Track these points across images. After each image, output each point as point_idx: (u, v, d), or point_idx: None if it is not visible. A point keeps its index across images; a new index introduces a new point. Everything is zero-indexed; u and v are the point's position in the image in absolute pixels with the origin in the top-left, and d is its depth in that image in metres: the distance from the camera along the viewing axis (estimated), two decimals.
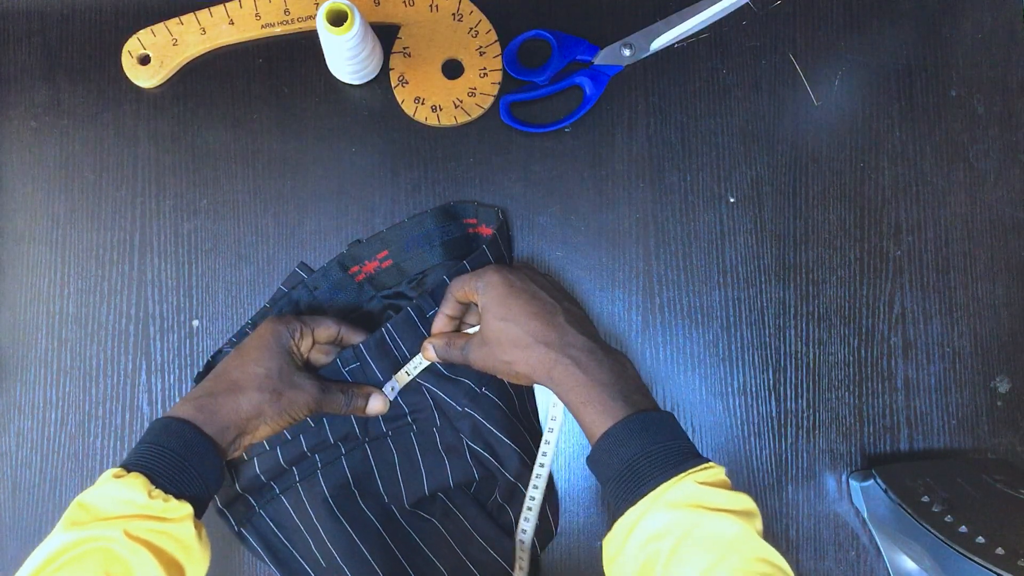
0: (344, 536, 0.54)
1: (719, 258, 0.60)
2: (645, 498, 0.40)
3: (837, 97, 0.61)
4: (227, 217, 0.60)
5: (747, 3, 0.61)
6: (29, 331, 0.60)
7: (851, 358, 0.60)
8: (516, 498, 0.55)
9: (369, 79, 0.60)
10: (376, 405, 0.54)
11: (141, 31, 0.60)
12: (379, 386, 0.54)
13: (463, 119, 0.60)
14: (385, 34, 0.60)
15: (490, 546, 0.55)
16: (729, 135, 0.61)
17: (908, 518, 0.51)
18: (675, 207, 0.61)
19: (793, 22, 0.62)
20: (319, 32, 0.53)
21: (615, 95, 0.61)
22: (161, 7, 0.61)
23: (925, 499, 0.52)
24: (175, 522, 0.42)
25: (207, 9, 0.60)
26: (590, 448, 0.45)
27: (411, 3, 0.60)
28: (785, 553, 0.58)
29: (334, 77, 0.61)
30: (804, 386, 0.60)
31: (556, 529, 0.58)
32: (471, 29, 0.60)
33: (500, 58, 0.60)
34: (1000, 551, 0.45)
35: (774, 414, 0.59)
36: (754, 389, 0.59)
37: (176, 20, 0.60)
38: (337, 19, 0.53)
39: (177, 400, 0.57)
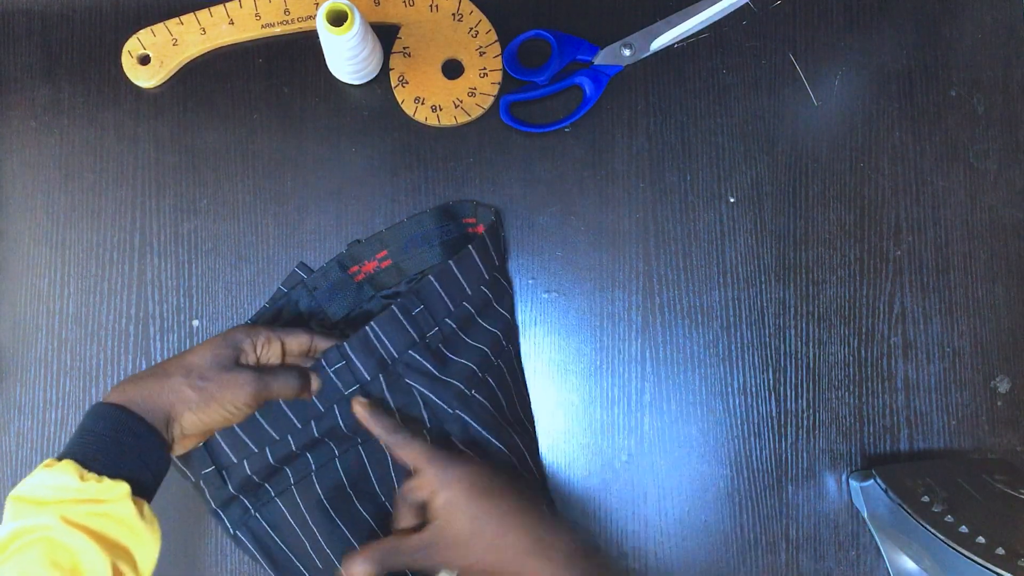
0: (340, 538, 0.53)
1: (719, 258, 0.60)
2: None
3: (837, 97, 0.61)
4: (227, 217, 0.60)
5: (747, 3, 0.61)
6: (29, 331, 0.60)
7: (851, 358, 0.60)
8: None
9: (369, 79, 0.60)
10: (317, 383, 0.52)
11: (141, 31, 0.60)
12: (364, 384, 0.53)
13: (463, 119, 0.60)
14: (385, 34, 0.60)
15: None
16: (729, 135, 0.61)
17: (908, 518, 0.51)
18: (675, 207, 0.61)
19: (793, 22, 0.62)
20: (319, 32, 0.53)
21: (615, 95, 0.61)
22: (161, 7, 0.61)
23: (925, 499, 0.52)
24: (112, 502, 0.41)
25: (207, 9, 0.60)
26: None
27: (411, 3, 0.60)
28: (785, 553, 0.58)
29: (334, 77, 0.61)
30: (804, 386, 0.60)
31: None
32: (471, 29, 0.60)
33: (500, 58, 0.60)
34: (1000, 551, 0.45)
35: (774, 414, 0.59)
36: (754, 389, 0.59)
37: (176, 20, 0.60)
38: (337, 19, 0.53)
39: None
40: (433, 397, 0.53)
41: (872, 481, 0.56)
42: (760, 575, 0.59)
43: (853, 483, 0.58)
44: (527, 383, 0.60)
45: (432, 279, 0.54)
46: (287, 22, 0.60)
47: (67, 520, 0.39)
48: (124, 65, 0.60)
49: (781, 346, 0.60)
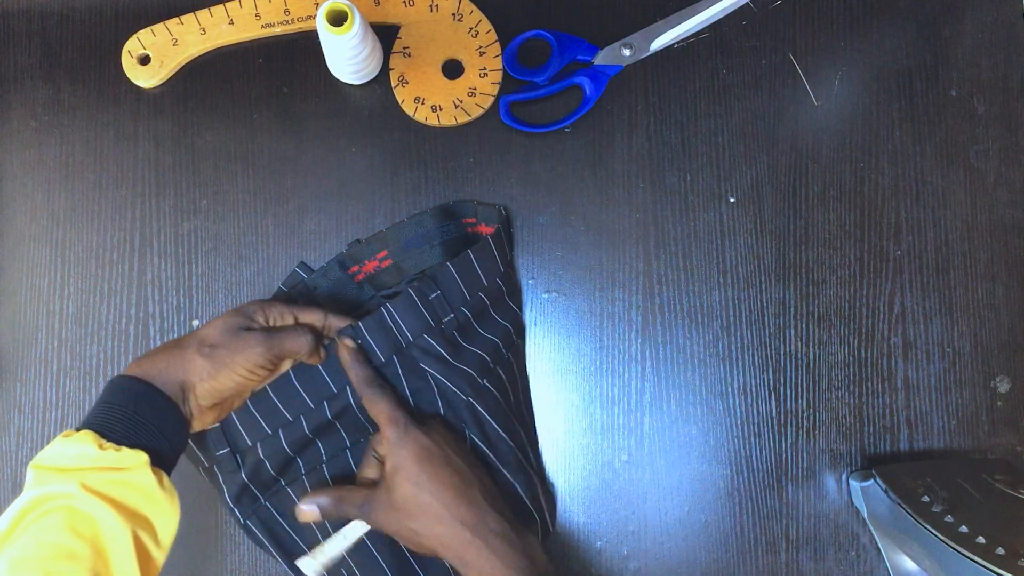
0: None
1: (719, 258, 0.60)
2: None
3: (837, 97, 0.61)
4: (227, 217, 0.61)
5: (747, 3, 0.61)
6: (29, 331, 0.60)
7: (851, 358, 0.60)
8: (510, 495, 0.55)
9: (369, 79, 0.60)
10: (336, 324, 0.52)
11: (141, 31, 0.60)
12: (379, 366, 0.53)
13: (463, 119, 0.60)
14: (385, 34, 0.60)
15: None
16: (729, 135, 0.61)
17: (908, 518, 0.51)
18: (675, 207, 0.61)
19: (793, 22, 0.62)
20: (319, 32, 0.53)
21: (615, 95, 0.61)
22: (161, 7, 0.61)
23: (925, 499, 0.52)
24: (131, 470, 0.41)
25: (207, 9, 0.60)
26: None
27: (411, 3, 0.60)
28: (785, 553, 0.58)
29: (334, 77, 0.61)
30: (804, 386, 0.60)
31: (552, 527, 0.58)
32: (471, 29, 0.60)
33: (500, 58, 0.60)
34: (1000, 551, 0.45)
35: (774, 414, 0.59)
36: (754, 389, 0.59)
37: (176, 20, 0.60)
38: (337, 19, 0.53)
39: None
40: (446, 382, 0.53)
41: (872, 481, 0.56)
42: (760, 575, 0.59)
43: (853, 483, 0.58)
44: (529, 381, 0.60)
45: (450, 266, 0.54)
46: (287, 22, 0.60)
47: (87, 488, 0.40)
48: (124, 65, 0.60)
49: (781, 346, 0.60)
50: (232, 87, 0.61)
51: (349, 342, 0.52)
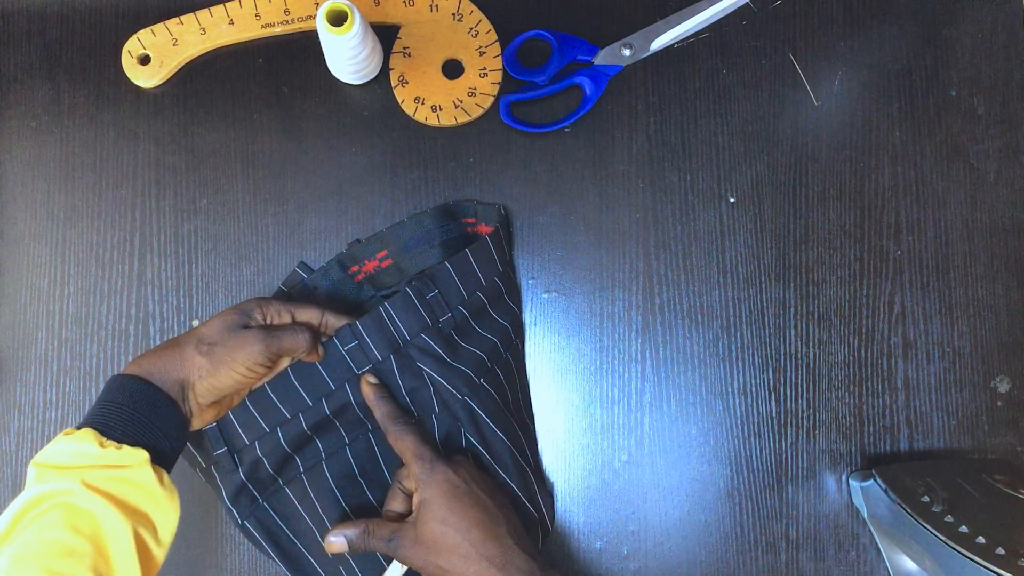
0: None
1: (719, 258, 0.60)
2: None
3: (837, 97, 0.61)
4: (227, 217, 0.61)
5: (747, 3, 0.61)
6: (29, 331, 0.60)
7: (851, 358, 0.60)
8: (508, 495, 0.55)
9: (369, 79, 0.60)
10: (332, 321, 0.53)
11: (141, 31, 0.60)
12: (376, 364, 0.53)
13: (463, 119, 0.60)
14: (385, 34, 0.60)
15: None
16: (729, 135, 0.61)
17: (908, 518, 0.51)
18: (675, 207, 0.61)
19: (793, 22, 0.62)
20: (319, 32, 0.53)
21: (615, 95, 0.61)
22: (161, 7, 0.61)
23: (925, 499, 0.52)
24: (132, 468, 0.42)
25: (207, 9, 0.60)
26: None
27: (411, 3, 0.60)
28: (785, 553, 0.58)
29: (334, 77, 0.61)
30: (804, 386, 0.60)
31: (551, 526, 0.58)
32: (471, 29, 0.60)
33: (500, 58, 0.60)
34: (1000, 551, 0.45)
35: (774, 414, 0.59)
36: (754, 389, 0.59)
37: (176, 20, 0.60)
38: (337, 19, 0.53)
39: None
40: (443, 382, 0.53)
41: (872, 481, 0.56)
42: (760, 575, 0.59)
43: (853, 483, 0.58)
44: (528, 381, 0.60)
45: (448, 266, 0.54)
46: (287, 22, 0.60)
47: (88, 485, 0.40)
48: (124, 65, 0.60)
49: (781, 346, 0.60)
50: (232, 87, 0.61)
51: (372, 379, 0.53)
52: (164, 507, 0.43)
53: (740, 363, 0.60)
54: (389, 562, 0.52)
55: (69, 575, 0.38)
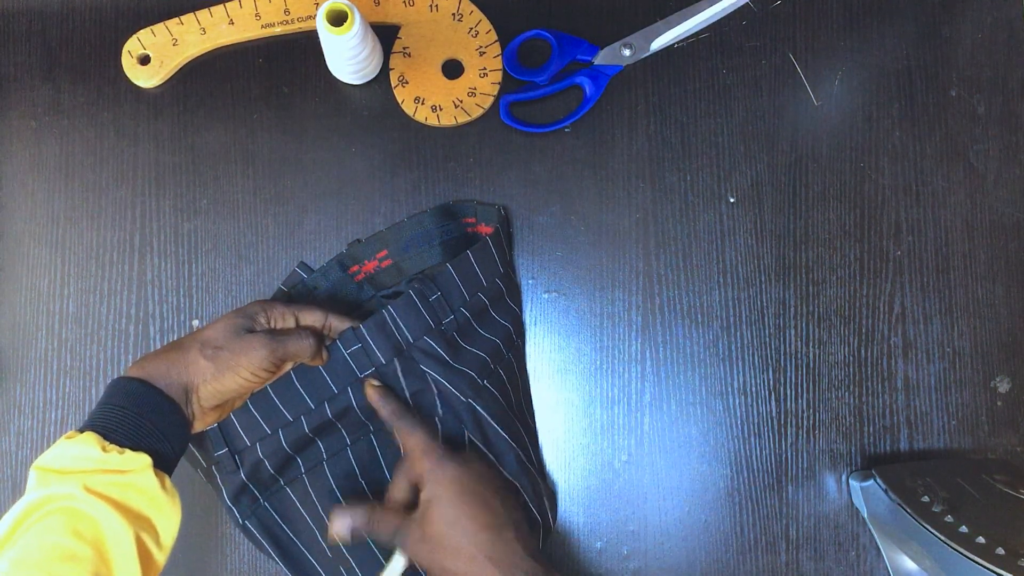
0: None
1: (719, 258, 0.60)
2: None
3: (837, 97, 0.61)
4: (227, 217, 0.60)
5: (747, 3, 0.61)
6: (29, 331, 0.60)
7: (851, 358, 0.60)
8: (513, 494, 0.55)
9: (369, 79, 0.60)
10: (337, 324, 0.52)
11: (141, 31, 0.60)
12: (379, 367, 0.53)
13: (463, 119, 0.60)
14: (385, 34, 0.60)
15: None
16: (729, 135, 0.61)
17: (908, 518, 0.51)
18: (675, 207, 0.61)
19: (793, 22, 0.62)
20: (319, 32, 0.53)
21: (615, 95, 0.61)
22: (161, 7, 0.61)
23: (925, 499, 0.52)
24: (134, 472, 0.41)
25: (207, 9, 0.60)
26: None
27: (411, 3, 0.60)
28: (785, 553, 0.58)
29: (334, 77, 0.61)
30: (804, 386, 0.60)
31: (553, 525, 0.58)
32: (471, 29, 0.60)
33: (500, 58, 0.60)
34: (1000, 551, 0.45)
35: (774, 414, 0.59)
36: (754, 389, 0.59)
37: (176, 20, 0.60)
38: (337, 19, 0.53)
39: None
40: (447, 384, 0.53)
41: (872, 481, 0.56)
42: (760, 575, 0.59)
43: (853, 483, 0.58)
44: (528, 381, 0.60)
45: (450, 267, 0.54)
46: (287, 22, 0.60)
47: (90, 489, 0.40)
48: (124, 65, 0.60)
49: (781, 346, 0.60)
50: (232, 87, 0.61)
51: (374, 382, 0.53)
52: (166, 511, 0.43)
53: (740, 363, 0.60)
54: (388, 559, 0.52)
55: None
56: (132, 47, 0.60)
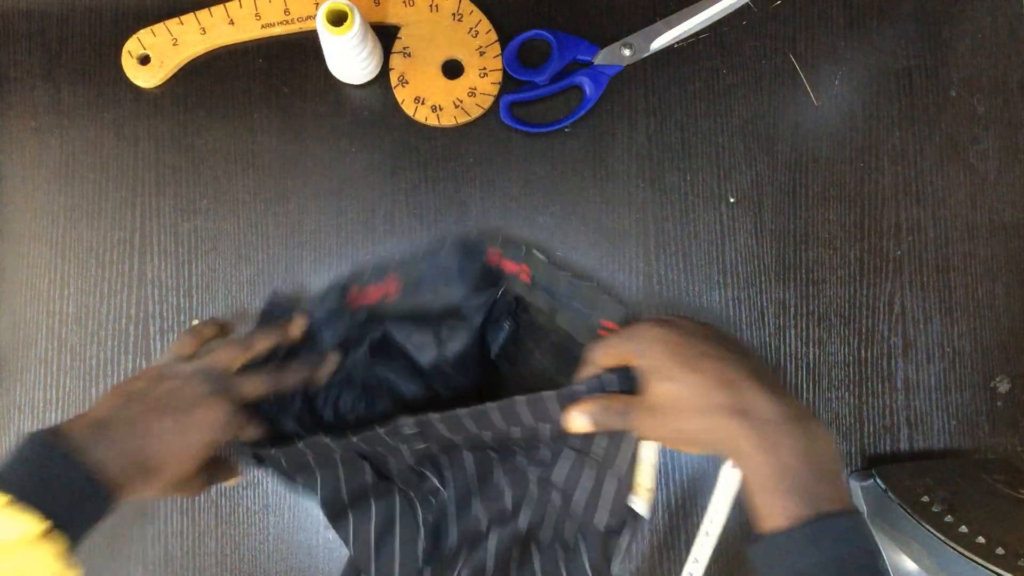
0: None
1: (719, 258, 0.60)
2: None
3: (837, 97, 0.61)
4: (227, 217, 0.61)
5: (747, 3, 0.61)
6: (29, 331, 0.60)
7: (851, 358, 0.60)
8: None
9: (369, 79, 0.60)
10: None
11: (141, 31, 0.60)
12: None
13: (463, 119, 0.60)
14: (385, 34, 0.60)
15: None
16: (729, 135, 0.61)
17: (908, 518, 0.52)
18: (675, 207, 0.61)
19: (793, 22, 0.62)
20: (319, 32, 0.53)
21: (615, 95, 0.61)
22: (161, 7, 0.61)
23: (925, 499, 0.52)
24: (15, 544, 0.35)
25: (207, 9, 0.60)
26: (756, 534, 0.39)
27: (411, 3, 0.60)
28: None
29: (334, 77, 0.61)
30: (804, 386, 0.60)
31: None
32: (471, 29, 0.60)
33: (500, 58, 0.60)
34: (1000, 551, 0.45)
35: None
36: None
37: (176, 20, 0.60)
38: (337, 19, 0.53)
39: None
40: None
41: (872, 481, 0.56)
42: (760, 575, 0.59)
43: (853, 483, 0.58)
44: None
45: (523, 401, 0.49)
46: (287, 22, 0.60)
47: None
48: (124, 65, 0.60)
49: (781, 346, 0.60)
50: (232, 87, 0.61)
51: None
52: None
53: None
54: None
55: None
56: (132, 47, 0.60)
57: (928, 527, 0.49)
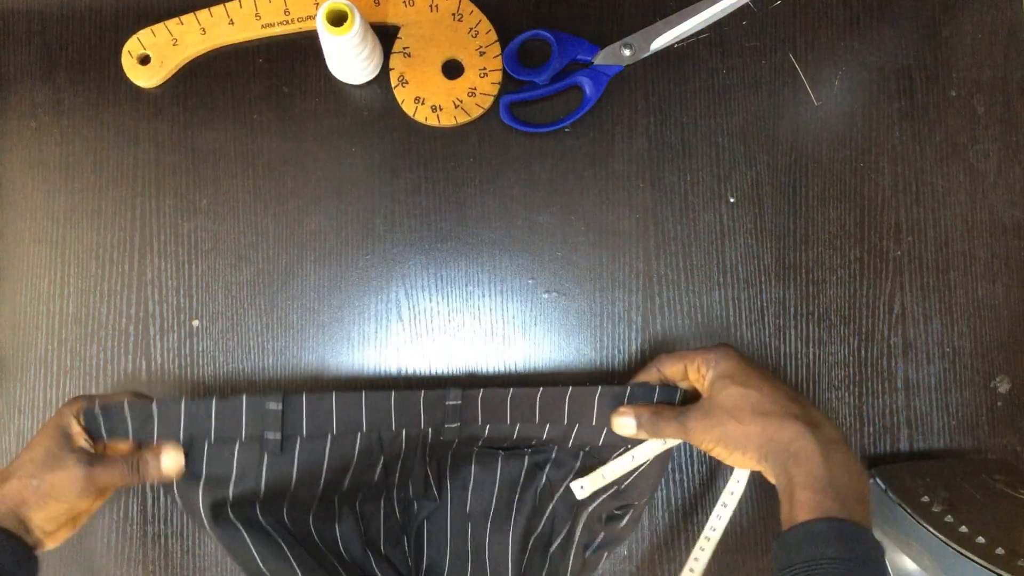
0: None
1: (719, 258, 0.60)
2: None
3: (837, 97, 0.61)
4: (227, 217, 0.61)
5: (747, 3, 0.61)
6: (29, 331, 0.60)
7: (851, 358, 0.60)
8: None
9: (369, 79, 0.60)
10: (168, 462, 0.47)
11: (141, 31, 0.60)
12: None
13: (463, 119, 0.60)
14: (385, 34, 0.60)
15: None
16: (729, 135, 0.61)
17: (908, 518, 0.52)
18: (675, 207, 0.61)
19: (793, 22, 0.62)
20: (319, 32, 0.53)
21: (615, 95, 0.61)
22: (161, 7, 0.61)
23: (925, 499, 0.52)
24: None
25: (207, 9, 0.60)
26: (786, 525, 0.43)
27: (411, 3, 0.60)
28: None
29: (334, 77, 0.61)
30: (804, 386, 0.60)
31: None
32: (471, 29, 0.60)
33: (500, 58, 0.60)
34: (1000, 551, 0.45)
35: None
36: None
37: (176, 20, 0.60)
38: (337, 19, 0.53)
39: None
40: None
41: (872, 481, 0.56)
42: (760, 575, 0.59)
43: None
44: None
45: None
46: (287, 22, 0.60)
47: None
48: (124, 65, 0.60)
49: (781, 346, 0.60)
50: (232, 87, 0.61)
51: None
52: None
53: None
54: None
55: None
56: (132, 47, 0.60)
57: (928, 527, 0.49)
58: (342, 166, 0.61)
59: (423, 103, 0.60)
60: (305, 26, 0.61)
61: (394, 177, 0.61)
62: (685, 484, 0.59)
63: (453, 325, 0.60)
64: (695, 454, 0.59)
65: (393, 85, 0.60)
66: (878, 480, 0.55)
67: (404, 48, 0.60)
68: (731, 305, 0.60)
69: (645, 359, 0.59)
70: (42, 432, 0.47)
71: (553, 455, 0.55)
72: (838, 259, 0.60)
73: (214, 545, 0.58)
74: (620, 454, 0.52)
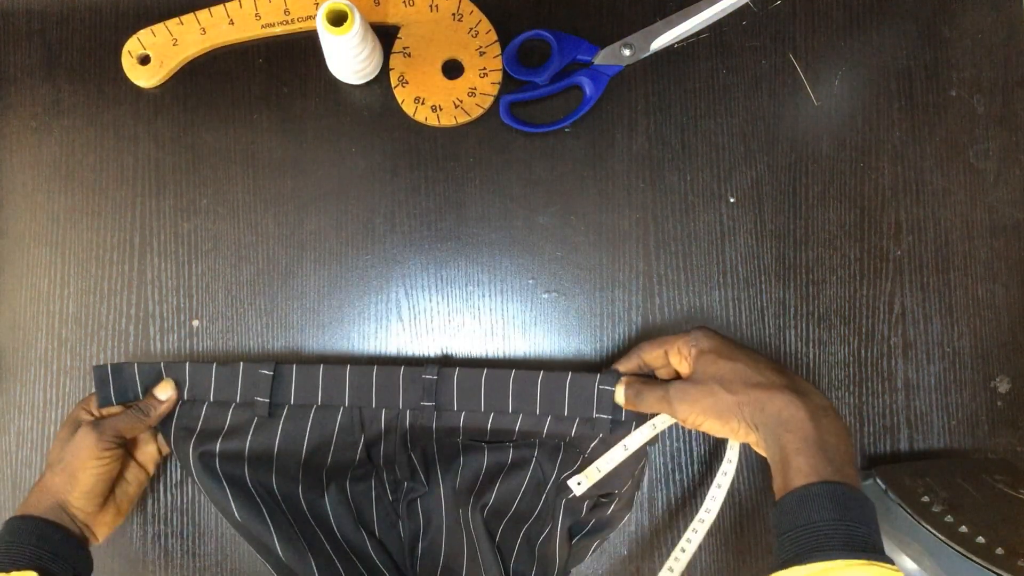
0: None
1: (719, 258, 0.60)
2: (824, 563, 0.39)
3: (837, 97, 0.61)
4: (227, 217, 0.61)
5: (747, 3, 0.61)
6: (29, 331, 0.60)
7: (851, 358, 0.60)
8: None
9: (369, 79, 0.60)
10: (162, 394, 0.53)
11: (141, 31, 0.60)
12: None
13: (463, 119, 0.60)
14: (385, 34, 0.60)
15: None
16: (729, 135, 0.61)
17: (908, 518, 0.52)
18: (675, 207, 0.61)
19: (793, 22, 0.62)
20: (319, 32, 0.53)
21: (615, 95, 0.61)
22: (161, 7, 0.61)
23: (925, 499, 0.52)
24: None
25: (207, 9, 0.60)
26: (780, 493, 0.44)
27: (411, 3, 0.60)
28: None
29: (334, 77, 0.61)
30: None
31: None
32: (471, 29, 0.60)
33: (500, 58, 0.60)
34: (1000, 551, 0.45)
35: None
36: None
37: (176, 20, 0.60)
38: (337, 19, 0.53)
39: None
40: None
41: (872, 481, 0.56)
42: (760, 575, 0.59)
43: None
44: None
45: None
46: (287, 22, 0.60)
47: None
48: (124, 65, 0.60)
49: (781, 346, 0.60)
50: (232, 87, 0.61)
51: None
52: None
53: None
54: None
55: None
56: (132, 47, 0.60)
57: (928, 527, 0.49)
58: (342, 166, 0.61)
59: (423, 103, 0.60)
60: (305, 26, 0.61)
61: (394, 177, 0.61)
62: (685, 484, 0.59)
63: (453, 325, 0.60)
64: (695, 454, 0.59)
65: (393, 85, 0.60)
66: (878, 480, 0.55)
67: (404, 48, 0.60)
68: (731, 305, 0.60)
69: None
70: (60, 430, 0.52)
71: (536, 452, 0.55)
72: (838, 259, 0.60)
73: (214, 545, 0.59)
74: (613, 443, 0.53)
